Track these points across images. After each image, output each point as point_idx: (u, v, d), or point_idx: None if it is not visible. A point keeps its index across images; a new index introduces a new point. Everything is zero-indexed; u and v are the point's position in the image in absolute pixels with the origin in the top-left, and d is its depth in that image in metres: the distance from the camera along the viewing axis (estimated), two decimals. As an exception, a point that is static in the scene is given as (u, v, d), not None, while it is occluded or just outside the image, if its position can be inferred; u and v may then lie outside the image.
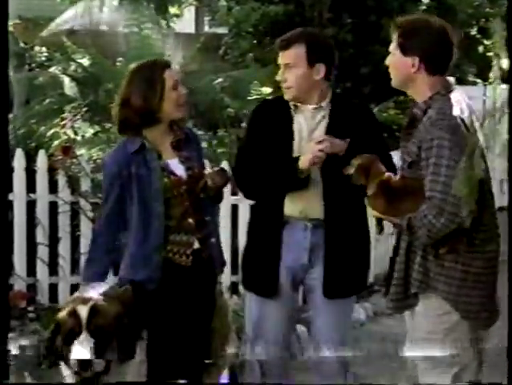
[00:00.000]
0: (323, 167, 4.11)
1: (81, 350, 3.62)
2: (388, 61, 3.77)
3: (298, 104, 4.21)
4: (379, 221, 3.79)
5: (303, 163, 4.07)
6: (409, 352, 3.82)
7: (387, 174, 3.71)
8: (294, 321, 4.58)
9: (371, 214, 3.78)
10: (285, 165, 4.13)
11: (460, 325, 3.61)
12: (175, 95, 4.12)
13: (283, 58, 4.20)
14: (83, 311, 3.69)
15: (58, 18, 11.28)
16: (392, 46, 3.75)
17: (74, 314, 3.70)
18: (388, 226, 3.87)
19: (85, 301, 3.75)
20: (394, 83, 3.78)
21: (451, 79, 3.76)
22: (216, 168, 4.20)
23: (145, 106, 4.07)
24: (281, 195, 4.18)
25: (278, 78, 4.22)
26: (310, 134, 4.18)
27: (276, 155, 4.15)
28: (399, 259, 3.70)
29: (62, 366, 3.76)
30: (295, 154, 4.15)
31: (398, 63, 3.71)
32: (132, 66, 4.25)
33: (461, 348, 3.61)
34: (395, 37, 3.72)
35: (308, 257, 4.20)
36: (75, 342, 3.65)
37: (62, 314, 3.74)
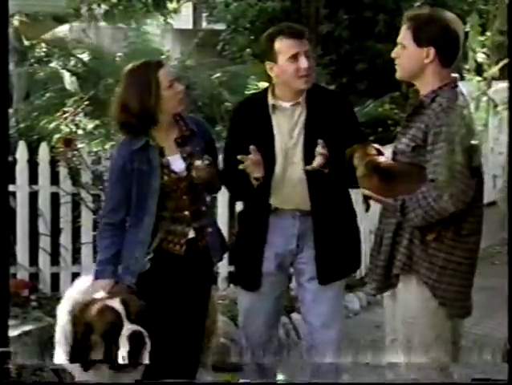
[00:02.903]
0: (306, 163, 4.14)
1: (129, 340, 3.62)
2: (397, 53, 3.78)
3: (276, 103, 4.21)
4: (366, 199, 3.83)
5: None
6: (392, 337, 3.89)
7: (376, 157, 3.76)
8: (282, 308, 4.63)
9: (361, 192, 3.82)
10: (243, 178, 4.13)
11: (438, 311, 3.68)
12: (171, 93, 4.13)
13: None
14: (117, 304, 3.69)
15: (61, 27, 11.31)
16: (403, 39, 3.76)
17: (108, 308, 3.69)
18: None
19: (112, 295, 3.75)
20: (401, 74, 3.79)
21: (456, 75, 3.80)
22: (200, 162, 4.14)
23: (143, 110, 4.10)
24: (263, 193, 4.19)
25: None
26: (290, 131, 4.21)
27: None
28: (385, 241, 3.77)
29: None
30: (277, 153, 4.18)
31: (411, 55, 3.72)
32: (126, 69, 4.24)
33: (438, 334, 3.68)
34: (406, 29, 3.75)
35: (296, 243, 4.25)
36: (121, 334, 3.63)
37: (93, 314, 3.70)
